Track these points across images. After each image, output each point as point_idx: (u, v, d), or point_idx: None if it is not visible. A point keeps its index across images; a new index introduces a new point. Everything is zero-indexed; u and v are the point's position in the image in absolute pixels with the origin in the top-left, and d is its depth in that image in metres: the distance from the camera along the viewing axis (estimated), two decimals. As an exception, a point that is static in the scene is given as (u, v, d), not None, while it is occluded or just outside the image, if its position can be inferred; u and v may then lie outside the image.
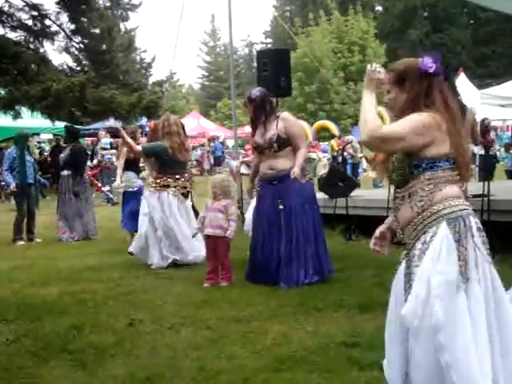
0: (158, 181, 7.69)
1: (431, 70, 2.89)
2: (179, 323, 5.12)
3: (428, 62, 2.90)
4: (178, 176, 7.74)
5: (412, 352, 2.83)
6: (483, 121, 15.20)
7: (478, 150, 14.91)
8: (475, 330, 2.73)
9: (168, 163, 7.68)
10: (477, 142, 6.56)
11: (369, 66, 3.02)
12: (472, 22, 51.87)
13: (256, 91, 6.64)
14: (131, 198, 9.12)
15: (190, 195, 8.08)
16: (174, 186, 7.68)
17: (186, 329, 4.99)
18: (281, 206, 6.39)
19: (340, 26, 39.88)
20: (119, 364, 4.24)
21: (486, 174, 7.40)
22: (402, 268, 3.01)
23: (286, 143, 6.42)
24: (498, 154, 16.50)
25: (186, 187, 7.83)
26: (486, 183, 7.08)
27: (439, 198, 2.86)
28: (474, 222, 2.86)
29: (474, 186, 6.84)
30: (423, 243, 2.84)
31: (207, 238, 6.63)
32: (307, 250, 6.36)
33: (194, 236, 7.06)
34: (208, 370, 4.06)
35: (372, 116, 2.86)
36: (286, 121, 6.49)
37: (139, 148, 7.99)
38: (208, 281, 6.47)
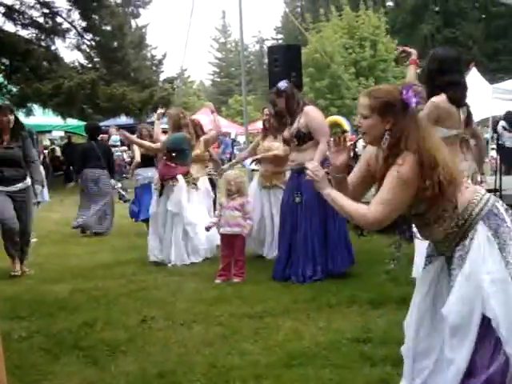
0: (186, 176, 7.71)
1: (413, 104, 2.83)
2: (191, 320, 5.12)
3: (410, 95, 2.82)
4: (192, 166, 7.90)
5: (451, 349, 2.85)
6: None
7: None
8: None
9: (189, 155, 7.76)
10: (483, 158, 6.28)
11: (309, 168, 2.96)
12: (483, 16, 51.50)
13: (284, 83, 6.59)
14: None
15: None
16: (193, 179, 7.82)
17: (198, 325, 4.99)
18: (297, 199, 6.41)
19: (351, 22, 39.69)
20: (131, 360, 4.25)
21: (501, 167, 7.33)
22: (437, 267, 3.04)
23: (306, 138, 6.39)
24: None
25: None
26: (499, 177, 7.03)
27: (464, 204, 2.87)
28: (502, 206, 2.90)
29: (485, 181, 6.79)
30: (463, 247, 2.87)
31: (223, 236, 6.62)
32: (315, 246, 6.34)
33: (207, 229, 6.87)
34: (220, 366, 4.06)
35: (352, 209, 2.87)
36: (307, 115, 6.42)
37: (158, 145, 7.86)
38: (220, 277, 6.47)
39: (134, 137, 8.11)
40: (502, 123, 15.40)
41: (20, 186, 7.00)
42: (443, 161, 2.82)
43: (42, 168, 10.23)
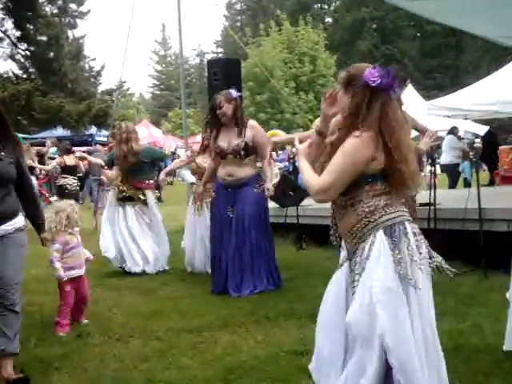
0: (119, 193, 7.94)
1: (373, 84, 2.84)
2: (128, 334, 5.05)
3: (372, 75, 2.85)
4: (135, 185, 7.87)
5: (365, 360, 2.87)
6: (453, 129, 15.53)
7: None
8: (416, 335, 2.83)
9: (124, 172, 7.84)
10: None
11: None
12: (419, 34, 52.99)
13: (235, 91, 6.54)
14: None
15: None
16: (130, 196, 7.89)
17: (135, 340, 4.92)
18: (230, 214, 6.38)
19: (290, 37, 40.20)
20: (66, 377, 4.15)
21: (435, 182, 7.52)
22: (342, 272, 3.11)
23: (251, 151, 6.41)
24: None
25: (142, 194, 7.90)
26: (433, 192, 7.20)
27: (378, 206, 2.93)
28: (410, 227, 2.94)
29: (421, 195, 6.96)
30: (362, 252, 2.93)
31: (73, 281, 5.39)
32: (259, 259, 6.35)
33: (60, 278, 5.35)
34: (157, 381, 4.01)
35: (308, 178, 2.97)
36: (254, 129, 6.43)
37: (101, 161, 8.81)
38: (65, 328, 5.27)
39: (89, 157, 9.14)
40: (452, 137, 15.68)
41: (6, 227, 3.94)
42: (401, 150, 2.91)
43: None
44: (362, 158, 2.85)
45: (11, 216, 3.97)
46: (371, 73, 2.86)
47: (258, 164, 6.63)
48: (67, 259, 5.34)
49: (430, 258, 2.99)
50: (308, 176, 2.97)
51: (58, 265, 5.27)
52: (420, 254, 2.92)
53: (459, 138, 15.68)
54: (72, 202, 5.71)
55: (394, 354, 2.77)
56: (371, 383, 2.83)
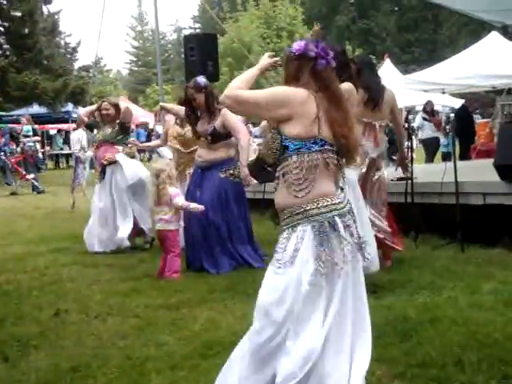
0: None
1: (297, 53, 2.91)
2: (106, 312, 5.03)
3: (296, 46, 2.94)
4: None
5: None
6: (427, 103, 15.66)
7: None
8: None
9: None
10: (399, 126, 6.54)
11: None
12: (396, 8, 52.86)
13: (202, 78, 6.54)
14: None
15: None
16: None
17: (113, 317, 4.91)
18: (198, 193, 6.46)
19: (268, 12, 39.93)
20: (43, 355, 4.13)
21: (412, 156, 7.54)
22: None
23: (220, 138, 6.41)
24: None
25: None
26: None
27: (314, 194, 2.89)
28: (340, 221, 2.87)
29: (398, 170, 6.99)
30: (287, 239, 2.99)
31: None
32: (215, 239, 6.42)
33: None
34: (135, 358, 4.01)
35: (236, 80, 2.96)
36: (223, 116, 6.35)
37: None
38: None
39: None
40: (422, 115, 15.89)
41: None
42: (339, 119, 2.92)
43: None
44: (283, 104, 2.89)
45: None
46: (295, 45, 2.98)
47: (231, 151, 6.59)
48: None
49: None
50: (237, 80, 2.96)
51: (183, 201, 6.10)
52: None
53: (430, 114, 15.69)
54: (167, 160, 6.65)
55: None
56: None
